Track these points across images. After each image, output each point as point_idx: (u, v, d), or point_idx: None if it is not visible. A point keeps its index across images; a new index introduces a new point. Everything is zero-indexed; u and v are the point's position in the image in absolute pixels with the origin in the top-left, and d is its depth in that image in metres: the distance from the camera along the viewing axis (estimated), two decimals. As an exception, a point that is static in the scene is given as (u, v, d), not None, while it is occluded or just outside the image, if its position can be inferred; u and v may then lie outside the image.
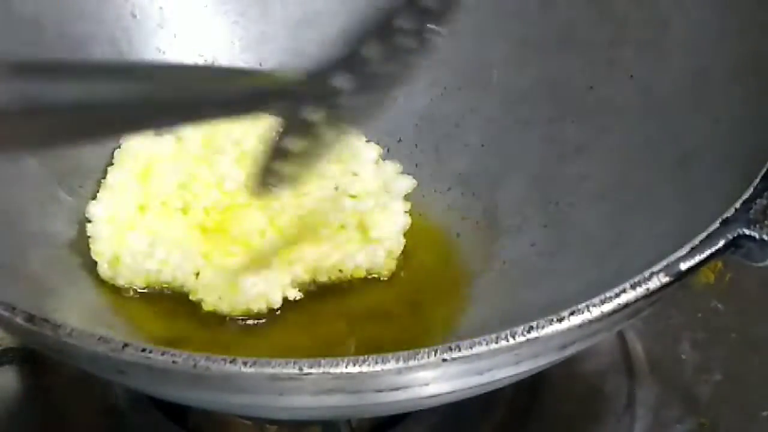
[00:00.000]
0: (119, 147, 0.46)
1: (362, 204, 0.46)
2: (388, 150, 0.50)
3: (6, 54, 0.44)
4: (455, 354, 0.30)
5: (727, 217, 0.34)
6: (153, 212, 0.44)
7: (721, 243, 0.33)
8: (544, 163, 0.47)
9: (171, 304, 0.44)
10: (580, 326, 0.31)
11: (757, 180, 0.35)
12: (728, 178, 0.37)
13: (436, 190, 0.49)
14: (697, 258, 0.33)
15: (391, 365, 0.30)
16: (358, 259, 0.45)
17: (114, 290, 0.44)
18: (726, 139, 0.40)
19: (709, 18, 0.42)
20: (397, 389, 0.31)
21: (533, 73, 0.48)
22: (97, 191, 0.46)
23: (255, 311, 0.43)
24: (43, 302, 0.39)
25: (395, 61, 0.35)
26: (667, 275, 0.32)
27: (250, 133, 0.45)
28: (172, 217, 0.44)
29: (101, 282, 0.44)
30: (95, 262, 0.44)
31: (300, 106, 0.34)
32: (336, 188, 0.46)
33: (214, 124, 0.46)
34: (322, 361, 0.30)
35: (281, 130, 0.35)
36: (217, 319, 0.43)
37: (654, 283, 0.32)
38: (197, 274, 0.43)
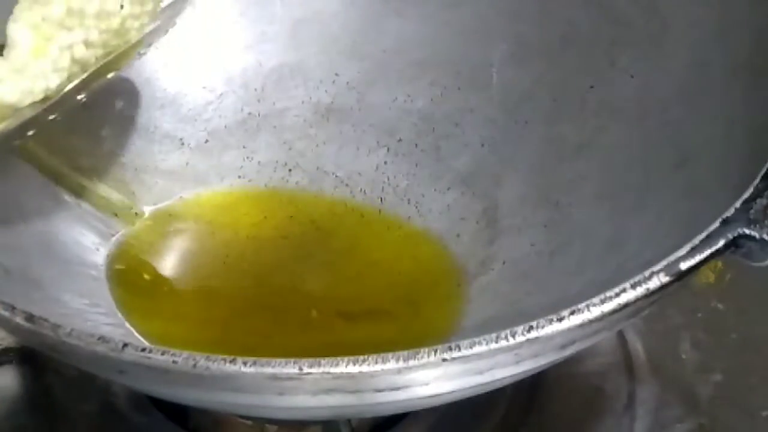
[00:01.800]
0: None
1: None
2: (388, 150, 0.50)
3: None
4: (455, 354, 0.30)
5: (727, 217, 0.34)
6: None
7: (721, 243, 0.33)
8: (544, 163, 0.47)
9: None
10: (581, 326, 0.31)
11: (757, 180, 0.35)
12: (728, 178, 0.37)
13: (436, 190, 0.49)
14: (697, 258, 0.33)
15: (391, 365, 0.30)
16: None
17: (116, 286, 0.44)
18: (726, 139, 0.40)
19: (709, 18, 0.42)
20: (397, 389, 0.31)
21: (533, 73, 0.48)
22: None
23: None
24: (42, 302, 0.40)
25: None
26: (667, 275, 0.32)
27: None
28: None
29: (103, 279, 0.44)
30: (98, 262, 0.44)
31: None
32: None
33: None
34: (322, 361, 0.30)
35: None
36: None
37: (654, 283, 0.32)
38: None
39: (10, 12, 0.39)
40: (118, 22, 0.40)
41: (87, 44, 0.39)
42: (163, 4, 0.43)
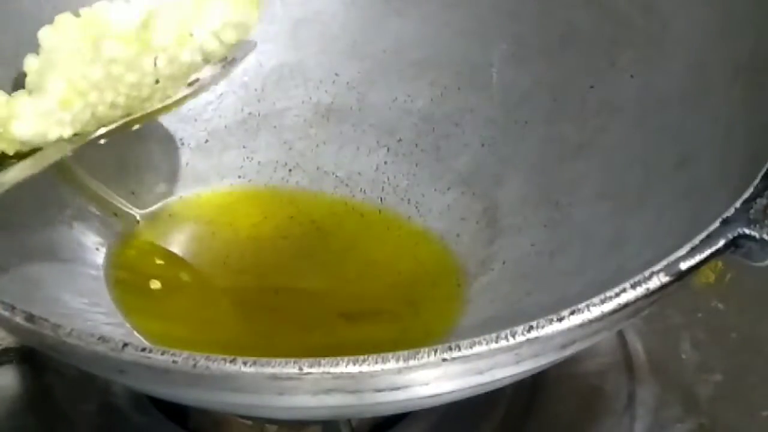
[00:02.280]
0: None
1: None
2: (388, 150, 0.50)
3: (5, 52, 0.44)
4: (455, 354, 0.30)
5: (727, 217, 0.34)
6: None
7: (721, 243, 0.33)
8: (544, 163, 0.47)
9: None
10: (581, 326, 0.31)
11: (757, 180, 0.35)
12: (728, 178, 0.37)
13: (436, 190, 0.49)
14: (697, 258, 0.33)
15: (391, 365, 0.30)
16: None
17: (116, 286, 0.44)
18: (726, 139, 0.40)
19: (709, 18, 0.42)
20: (397, 389, 0.31)
21: (533, 73, 0.48)
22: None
23: None
24: (42, 302, 0.40)
25: None
26: (667, 275, 0.32)
27: None
28: None
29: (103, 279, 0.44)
30: (98, 262, 0.44)
31: None
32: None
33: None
34: (322, 361, 0.30)
35: None
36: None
37: (654, 283, 0.32)
38: None
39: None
40: (147, 92, 0.42)
41: (112, 106, 0.41)
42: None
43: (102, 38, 0.40)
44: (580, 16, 0.47)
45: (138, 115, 0.42)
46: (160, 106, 0.43)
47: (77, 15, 0.42)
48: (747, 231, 0.33)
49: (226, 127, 0.51)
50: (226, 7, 0.42)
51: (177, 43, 0.41)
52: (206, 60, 0.43)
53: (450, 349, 0.30)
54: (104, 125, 0.41)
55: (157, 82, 0.41)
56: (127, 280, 0.45)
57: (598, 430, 0.46)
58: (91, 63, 0.40)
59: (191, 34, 0.42)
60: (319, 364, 0.30)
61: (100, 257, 0.45)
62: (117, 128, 0.42)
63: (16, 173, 0.38)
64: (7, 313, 0.32)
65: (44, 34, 0.41)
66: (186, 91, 0.43)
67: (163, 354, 0.30)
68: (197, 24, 0.42)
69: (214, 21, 0.42)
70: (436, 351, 0.30)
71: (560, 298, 0.39)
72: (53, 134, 0.39)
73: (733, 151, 0.39)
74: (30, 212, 0.44)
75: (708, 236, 0.33)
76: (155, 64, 0.41)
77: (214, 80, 0.44)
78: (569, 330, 0.31)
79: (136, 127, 0.42)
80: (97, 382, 0.45)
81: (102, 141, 0.42)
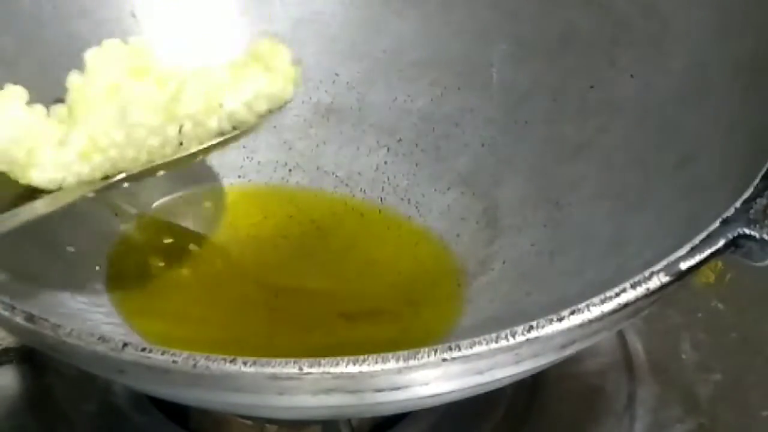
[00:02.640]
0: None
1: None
2: (388, 150, 0.50)
3: (6, 52, 0.44)
4: (455, 354, 0.30)
5: (727, 217, 0.34)
6: None
7: (721, 243, 0.33)
8: (544, 163, 0.47)
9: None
10: (581, 326, 0.31)
11: (757, 180, 0.35)
12: (728, 178, 0.37)
13: (436, 190, 0.49)
14: (697, 258, 0.33)
15: (391, 365, 0.30)
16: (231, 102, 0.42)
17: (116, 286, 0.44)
18: (726, 139, 0.40)
19: (709, 18, 0.42)
20: (397, 389, 0.31)
21: (533, 73, 0.48)
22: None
23: None
24: (42, 302, 0.40)
25: None
26: (667, 275, 0.32)
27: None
28: None
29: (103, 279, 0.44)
30: (98, 262, 0.44)
31: None
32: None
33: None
34: (322, 361, 0.30)
35: None
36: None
37: (654, 283, 0.32)
38: None
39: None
40: (170, 151, 0.42)
41: (132, 161, 0.41)
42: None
43: (128, 104, 0.40)
44: (580, 16, 0.47)
45: (162, 162, 0.42)
46: (189, 154, 0.42)
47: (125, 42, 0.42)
48: (747, 231, 0.33)
49: (226, 126, 0.51)
50: (262, 80, 0.42)
51: (205, 112, 0.41)
52: (235, 126, 0.43)
53: (450, 349, 0.30)
54: (125, 172, 0.41)
55: (181, 144, 0.42)
56: (127, 279, 0.45)
57: (598, 430, 0.46)
58: (114, 125, 0.40)
59: (221, 105, 0.42)
60: (319, 364, 0.30)
61: (100, 257, 0.45)
62: (141, 173, 0.42)
63: (35, 210, 0.39)
64: (7, 313, 0.32)
65: (91, 55, 0.41)
66: (216, 140, 0.43)
67: (163, 354, 0.30)
68: (229, 94, 0.42)
69: (247, 93, 0.42)
70: (436, 351, 0.30)
71: (560, 298, 0.39)
72: (69, 182, 0.40)
73: (733, 151, 0.39)
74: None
75: (708, 236, 0.33)
76: (180, 131, 0.41)
77: (245, 134, 0.44)
78: (569, 330, 0.31)
79: (161, 173, 0.42)
80: (97, 382, 0.45)
81: (125, 185, 0.42)
